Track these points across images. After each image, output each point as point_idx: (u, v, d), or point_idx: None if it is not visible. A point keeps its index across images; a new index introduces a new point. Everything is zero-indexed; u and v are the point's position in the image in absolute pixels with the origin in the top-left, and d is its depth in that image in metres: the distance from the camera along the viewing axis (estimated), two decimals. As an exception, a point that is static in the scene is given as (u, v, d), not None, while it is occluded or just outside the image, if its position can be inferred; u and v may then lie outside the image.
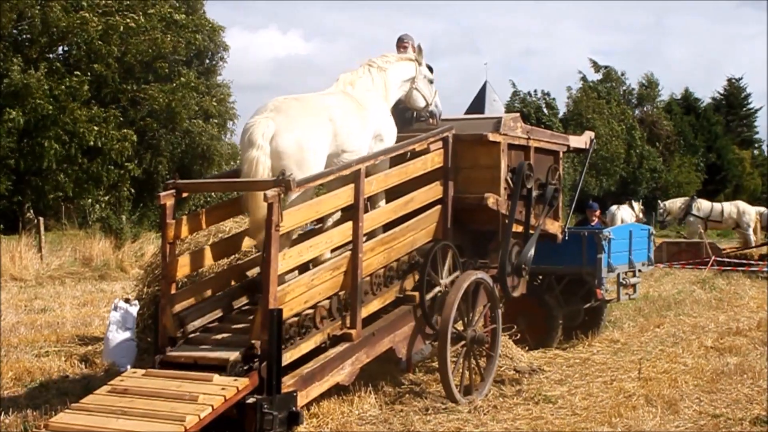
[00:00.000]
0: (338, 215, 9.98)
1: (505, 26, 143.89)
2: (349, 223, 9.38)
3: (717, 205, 31.21)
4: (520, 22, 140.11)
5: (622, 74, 66.45)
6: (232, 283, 9.70)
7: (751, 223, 29.68)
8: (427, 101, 11.00)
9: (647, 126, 63.08)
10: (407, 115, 11.24)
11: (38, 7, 30.42)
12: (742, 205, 31.25)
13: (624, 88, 66.72)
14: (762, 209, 31.00)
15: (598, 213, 17.59)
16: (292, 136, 8.99)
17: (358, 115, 9.79)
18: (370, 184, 9.55)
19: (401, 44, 11.31)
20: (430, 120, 11.08)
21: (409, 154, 10.41)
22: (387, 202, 10.11)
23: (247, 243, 9.82)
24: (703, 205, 30.88)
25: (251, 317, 8.84)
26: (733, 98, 75.10)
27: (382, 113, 10.26)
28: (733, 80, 76.06)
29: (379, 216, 9.90)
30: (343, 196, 9.32)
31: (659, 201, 34.16)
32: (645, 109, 66.87)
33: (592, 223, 16.88)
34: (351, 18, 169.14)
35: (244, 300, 9.75)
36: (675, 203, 32.02)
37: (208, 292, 9.46)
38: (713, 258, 25.39)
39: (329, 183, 9.47)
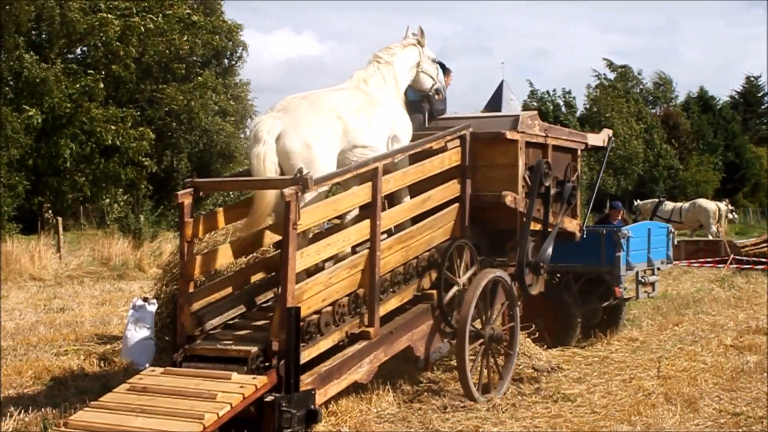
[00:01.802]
0: (356, 212, 9.98)
1: (517, 27, 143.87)
2: (367, 221, 9.39)
3: (678, 206, 31.88)
4: (531, 23, 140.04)
5: (639, 73, 66.32)
6: (251, 280, 9.72)
7: (711, 220, 30.13)
8: (434, 80, 11.00)
9: (670, 124, 62.85)
10: (419, 113, 11.22)
11: (58, 8, 30.52)
12: (699, 202, 32.22)
13: (641, 87, 66.55)
14: (721, 204, 31.62)
15: (621, 212, 17.55)
16: (298, 136, 9.03)
17: (370, 110, 9.80)
18: (387, 182, 9.55)
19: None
20: (436, 96, 11.08)
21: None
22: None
23: (266, 241, 9.82)
24: (666, 207, 31.80)
25: (270, 315, 8.87)
26: (751, 96, 74.82)
27: (396, 111, 10.27)
28: (752, 78, 75.82)
29: (396, 214, 9.89)
30: (361, 194, 9.34)
31: (635, 200, 34.92)
32: (667, 106, 66.68)
33: (614, 222, 16.83)
34: (364, 20, 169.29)
35: (262, 298, 9.78)
36: (646, 204, 32.98)
37: (227, 291, 9.49)
38: (732, 256, 25.34)
39: (345, 181, 9.49)
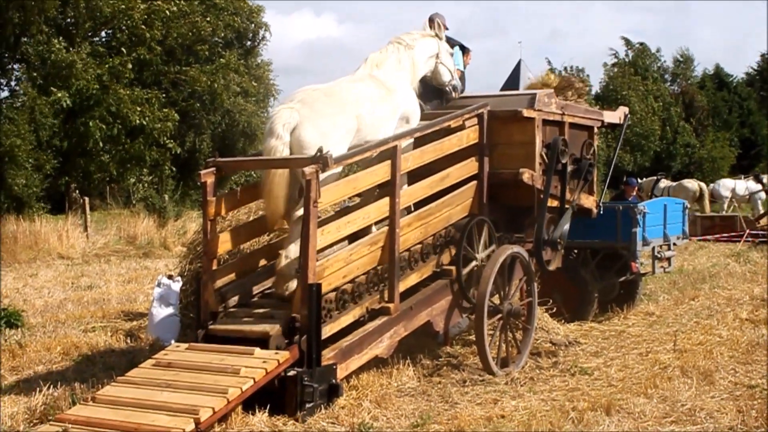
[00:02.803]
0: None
1: (533, 8, 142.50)
2: (386, 199, 9.54)
3: (669, 184, 32.49)
4: (547, 3, 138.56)
5: (657, 51, 65.78)
6: (273, 259, 9.88)
7: (691, 199, 30.28)
8: (451, 74, 11.08)
9: (687, 100, 62.41)
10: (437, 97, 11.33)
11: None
12: (683, 182, 32.96)
13: (659, 64, 65.99)
14: (703, 184, 32.42)
15: (636, 189, 17.58)
16: (315, 129, 9.08)
17: (386, 103, 9.85)
18: (406, 161, 9.68)
19: (432, 23, 11.37)
20: (453, 93, 11.15)
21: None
22: (423, 179, 10.20)
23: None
24: (661, 185, 32.12)
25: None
26: (767, 74, 74.00)
27: (408, 96, 10.33)
28: (767, 56, 74.98)
29: (415, 192, 10.01)
30: (380, 172, 9.48)
31: (636, 179, 35.32)
32: (683, 83, 66.14)
33: (629, 198, 16.91)
34: (383, 1, 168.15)
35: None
36: (649, 182, 33.19)
37: (250, 268, 9.66)
38: (747, 231, 25.32)
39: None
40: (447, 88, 11.11)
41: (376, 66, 10.18)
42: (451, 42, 11.57)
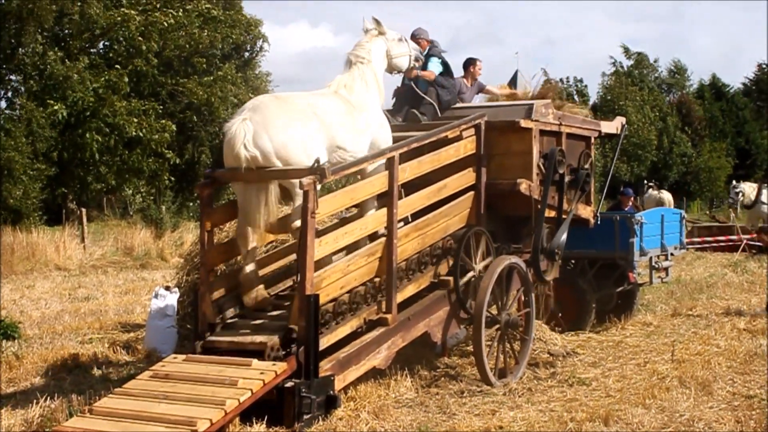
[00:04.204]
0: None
1: (528, 16, 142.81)
2: (384, 210, 9.53)
3: (652, 194, 32.92)
4: (541, 11, 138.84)
5: (655, 61, 65.95)
6: (270, 269, 9.89)
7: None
8: (408, 56, 10.86)
9: (684, 111, 62.51)
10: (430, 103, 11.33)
11: (79, 3, 30.66)
12: (659, 193, 33.10)
13: (656, 75, 66.16)
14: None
15: (632, 199, 17.61)
16: (269, 135, 8.85)
17: (350, 115, 9.66)
18: (404, 171, 9.67)
19: (415, 40, 11.34)
20: (415, 63, 11.01)
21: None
22: (420, 189, 10.15)
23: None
24: (647, 195, 32.99)
25: (288, 303, 9.03)
26: (763, 84, 74.11)
27: (376, 117, 10.11)
28: (763, 66, 75.10)
29: (413, 202, 10.00)
30: (378, 183, 9.47)
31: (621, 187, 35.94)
32: (680, 93, 66.30)
33: (626, 209, 16.93)
34: (381, 12, 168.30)
35: (281, 286, 9.94)
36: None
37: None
38: (744, 241, 25.30)
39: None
40: (414, 66, 10.99)
41: (345, 87, 9.97)
42: (436, 50, 11.56)
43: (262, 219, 8.89)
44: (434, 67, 11.44)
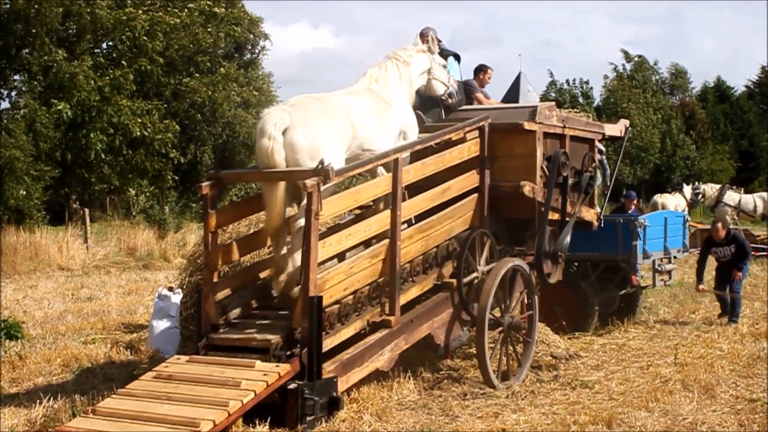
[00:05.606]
0: None
1: (528, 18, 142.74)
2: (387, 212, 9.52)
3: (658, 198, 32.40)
4: (542, 13, 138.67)
5: (655, 64, 65.90)
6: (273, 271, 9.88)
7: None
8: (446, 85, 11.07)
9: (687, 113, 62.48)
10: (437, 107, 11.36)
11: (83, 2, 30.66)
12: (659, 198, 32.45)
13: (657, 77, 66.12)
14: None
15: (635, 202, 17.61)
16: (306, 132, 8.96)
17: (382, 115, 9.83)
18: (408, 173, 9.67)
19: (424, 38, 11.38)
20: (449, 100, 11.16)
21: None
22: (425, 191, 10.16)
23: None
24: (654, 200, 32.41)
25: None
26: (766, 87, 74.07)
27: (406, 111, 10.35)
28: (766, 68, 75.07)
29: (416, 204, 9.99)
30: (382, 184, 9.48)
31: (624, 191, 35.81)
32: (683, 96, 66.29)
33: (629, 211, 16.91)
34: (378, 12, 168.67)
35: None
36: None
37: (250, 280, 9.65)
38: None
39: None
40: (444, 98, 11.13)
41: (375, 81, 10.17)
42: (445, 53, 11.60)
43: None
44: (455, 71, 11.55)
